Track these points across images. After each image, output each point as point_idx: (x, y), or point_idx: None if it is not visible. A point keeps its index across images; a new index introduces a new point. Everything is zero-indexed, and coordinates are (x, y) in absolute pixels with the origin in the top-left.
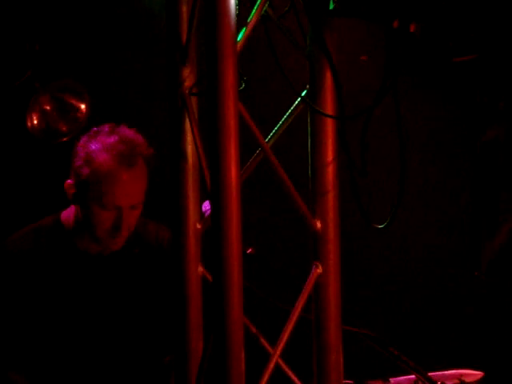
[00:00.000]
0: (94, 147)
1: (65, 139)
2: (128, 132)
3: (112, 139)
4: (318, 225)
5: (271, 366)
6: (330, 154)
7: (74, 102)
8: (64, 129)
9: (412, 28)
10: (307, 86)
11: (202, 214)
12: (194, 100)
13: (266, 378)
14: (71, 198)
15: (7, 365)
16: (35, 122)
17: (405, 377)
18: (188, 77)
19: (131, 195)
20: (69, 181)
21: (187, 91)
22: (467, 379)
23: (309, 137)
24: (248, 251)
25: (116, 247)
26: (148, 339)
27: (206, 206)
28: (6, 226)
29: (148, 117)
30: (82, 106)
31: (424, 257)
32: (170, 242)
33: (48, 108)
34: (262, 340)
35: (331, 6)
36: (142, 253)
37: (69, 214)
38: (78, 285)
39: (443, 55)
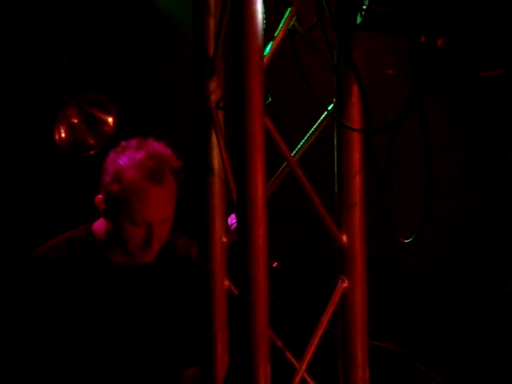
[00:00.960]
0: (122, 163)
1: (92, 152)
2: (156, 146)
3: (140, 155)
4: (344, 239)
5: (297, 380)
6: (356, 168)
7: (101, 115)
8: (91, 142)
9: (439, 42)
10: (334, 100)
11: (227, 227)
12: (220, 114)
13: None
14: (102, 212)
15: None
16: (63, 134)
17: None
18: (215, 90)
19: (161, 210)
20: (99, 196)
21: (214, 105)
22: None
23: (335, 150)
24: (274, 265)
25: (147, 260)
26: (174, 350)
27: (232, 219)
28: (35, 239)
29: (175, 131)
30: (110, 120)
31: (451, 272)
32: (197, 256)
33: (76, 121)
34: (288, 354)
35: (358, 20)
36: (170, 265)
37: (100, 225)
38: (108, 296)
39: (471, 69)
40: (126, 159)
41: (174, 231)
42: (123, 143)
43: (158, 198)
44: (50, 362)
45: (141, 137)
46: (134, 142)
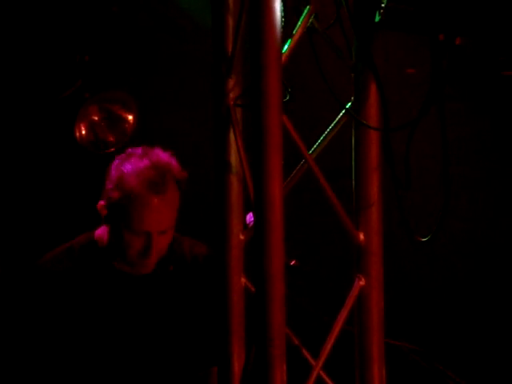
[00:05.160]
0: (125, 170)
1: (112, 150)
2: (161, 155)
3: (144, 163)
4: (362, 237)
5: (313, 377)
6: (373, 166)
7: (122, 113)
8: (111, 139)
9: (458, 41)
10: (352, 98)
11: (245, 225)
12: (238, 111)
13: None
14: (103, 218)
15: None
16: (83, 132)
17: None
18: (233, 88)
19: (160, 221)
20: (101, 202)
21: (232, 102)
22: None
23: (353, 148)
24: (292, 263)
25: (146, 270)
26: (187, 354)
27: (250, 217)
28: (56, 236)
29: (194, 128)
30: (130, 117)
31: (469, 270)
32: (205, 258)
33: (96, 118)
34: (304, 352)
35: (377, 19)
36: (176, 270)
37: (103, 232)
38: (114, 302)
39: (492, 68)
40: (129, 167)
41: (178, 234)
42: (129, 150)
43: (157, 208)
44: (56, 373)
45: (147, 146)
46: (139, 150)
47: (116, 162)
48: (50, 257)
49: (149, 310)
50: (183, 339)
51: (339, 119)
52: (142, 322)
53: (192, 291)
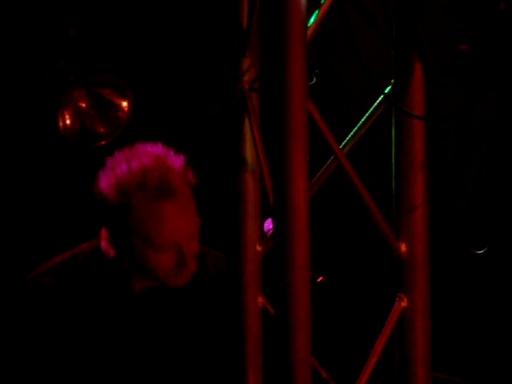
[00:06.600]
0: (121, 189)
1: (102, 143)
2: (151, 152)
3: (136, 170)
4: (403, 248)
5: None
6: (418, 163)
7: (114, 98)
8: (102, 130)
9: None
10: (392, 82)
11: (263, 233)
12: (254, 97)
13: None
14: (115, 256)
15: None
16: (68, 121)
17: None
18: (248, 70)
19: (186, 225)
20: (103, 242)
21: (247, 86)
22: None
23: (393, 142)
24: (319, 280)
25: (184, 281)
26: (207, 377)
27: (269, 224)
28: (36, 246)
29: (199, 118)
30: (124, 104)
31: None
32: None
33: (83, 105)
34: None
35: None
36: (198, 286)
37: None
38: (125, 325)
39: None
40: (123, 182)
41: (200, 245)
42: (109, 161)
43: (176, 214)
44: None
45: (126, 147)
46: (121, 156)
47: (103, 182)
48: (43, 269)
49: (164, 332)
50: (202, 362)
51: (376, 107)
52: (155, 344)
53: (215, 309)
